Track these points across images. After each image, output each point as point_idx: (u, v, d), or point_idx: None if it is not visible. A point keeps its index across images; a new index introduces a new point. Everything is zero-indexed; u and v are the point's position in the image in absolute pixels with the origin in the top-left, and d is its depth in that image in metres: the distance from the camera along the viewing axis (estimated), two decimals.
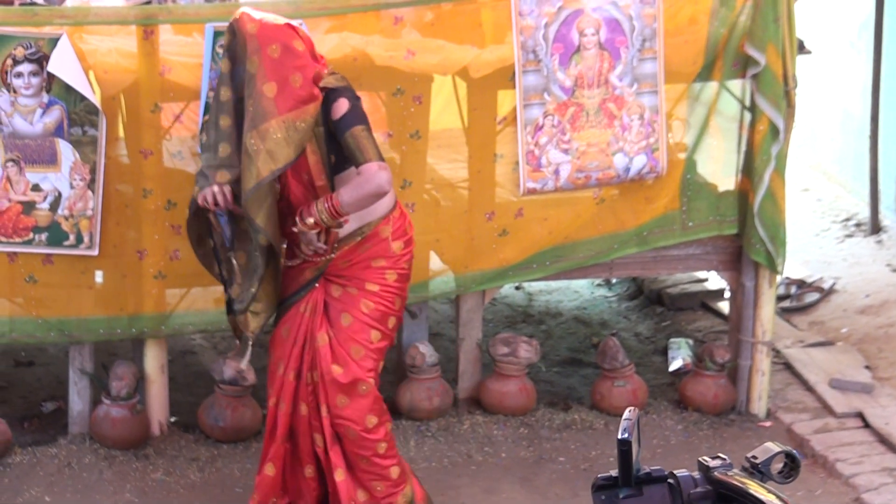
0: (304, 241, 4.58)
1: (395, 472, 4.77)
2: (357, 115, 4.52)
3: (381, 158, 4.49)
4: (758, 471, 2.27)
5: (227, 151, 4.57)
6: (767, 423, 5.92)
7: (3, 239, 5.26)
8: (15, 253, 5.30)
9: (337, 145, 4.53)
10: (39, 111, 5.19)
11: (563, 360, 6.62)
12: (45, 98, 5.18)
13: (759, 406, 5.99)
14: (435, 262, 5.76)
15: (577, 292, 7.49)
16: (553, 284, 7.35)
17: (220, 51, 5.21)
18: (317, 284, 4.68)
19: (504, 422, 5.83)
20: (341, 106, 4.49)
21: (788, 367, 6.41)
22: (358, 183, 4.46)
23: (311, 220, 4.50)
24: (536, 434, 5.78)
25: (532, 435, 5.77)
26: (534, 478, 5.46)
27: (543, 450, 5.67)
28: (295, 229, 4.55)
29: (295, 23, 5.23)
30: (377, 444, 4.71)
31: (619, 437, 2.22)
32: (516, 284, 7.19)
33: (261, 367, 5.80)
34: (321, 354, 4.64)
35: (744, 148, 5.86)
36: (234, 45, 4.54)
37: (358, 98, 4.59)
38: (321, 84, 4.51)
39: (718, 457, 2.29)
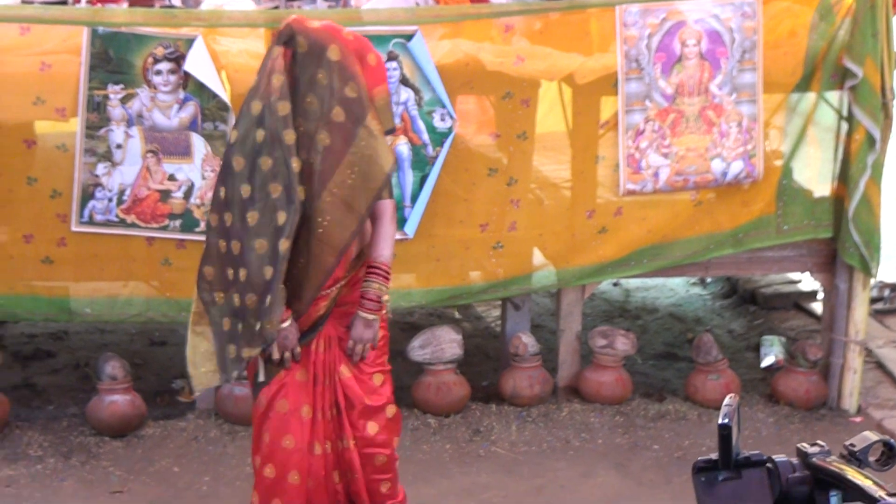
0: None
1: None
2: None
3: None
4: (855, 458, 2.21)
5: (299, 167, 3.89)
6: (858, 419, 5.83)
7: (142, 224, 5.33)
8: (152, 238, 5.36)
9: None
10: (176, 107, 5.25)
11: (658, 354, 6.57)
12: (181, 94, 5.24)
13: (849, 402, 5.91)
14: (538, 257, 5.73)
15: (673, 290, 7.43)
16: (650, 282, 7.30)
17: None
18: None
19: (601, 410, 5.80)
20: None
21: (880, 366, 6.31)
22: (386, 230, 4.01)
23: (386, 298, 4.04)
24: (632, 423, 5.74)
25: (627, 423, 5.73)
26: (628, 464, 5.41)
27: (638, 437, 5.62)
28: (364, 317, 4.03)
29: (411, 28, 5.29)
30: (395, 462, 4.27)
31: (720, 422, 2.19)
32: (614, 281, 7.14)
33: None
34: (348, 386, 4.12)
35: (840, 156, 5.78)
36: (302, 57, 3.89)
37: None
38: None
39: (816, 443, 2.24)
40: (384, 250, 4.02)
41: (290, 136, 3.84)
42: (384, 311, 4.09)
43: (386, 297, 4.05)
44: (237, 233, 3.88)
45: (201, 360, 4.07)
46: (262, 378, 4.06)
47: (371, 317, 4.03)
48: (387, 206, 4.02)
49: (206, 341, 4.04)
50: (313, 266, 3.94)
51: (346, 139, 3.88)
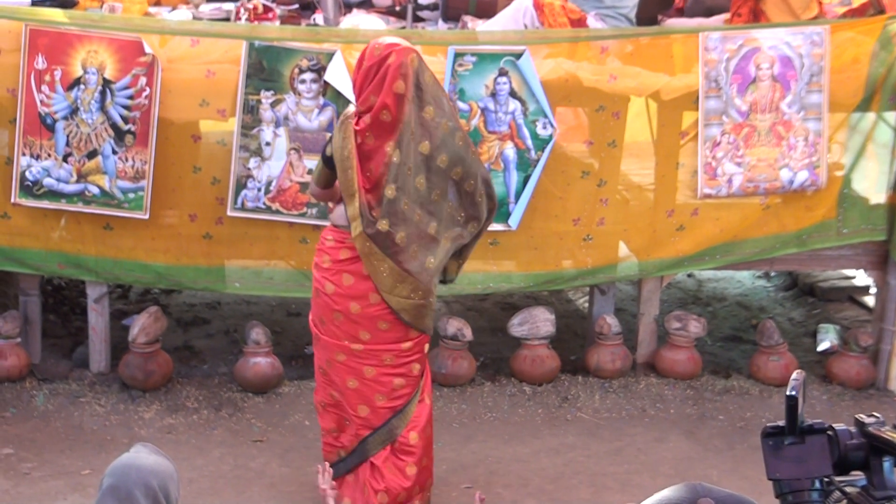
0: None
1: None
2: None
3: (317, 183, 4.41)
4: None
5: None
6: None
7: (285, 211, 5.40)
8: (293, 223, 5.43)
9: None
10: (316, 111, 5.31)
11: (726, 337, 6.49)
12: (321, 101, 5.29)
13: (895, 384, 5.83)
14: (623, 250, 5.72)
15: (740, 282, 7.33)
16: (720, 274, 7.22)
17: (459, 69, 5.23)
18: None
19: (674, 384, 5.76)
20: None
21: None
22: None
23: None
24: (701, 396, 5.70)
25: (697, 396, 5.69)
26: (697, 431, 5.39)
27: (706, 409, 5.59)
28: None
29: (520, 48, 5.30)
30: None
31: (788, 393, 2.14)
32: (688, 273, 7.08)
33: (476, 326, 5.87)
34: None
35: (894, 169, 5.69)
36: None
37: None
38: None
39: (873, 415, 2.19)
40: None
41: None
42: None
43: None
44: None
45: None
46: None
47: None
48: None
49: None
50: None
51: None
